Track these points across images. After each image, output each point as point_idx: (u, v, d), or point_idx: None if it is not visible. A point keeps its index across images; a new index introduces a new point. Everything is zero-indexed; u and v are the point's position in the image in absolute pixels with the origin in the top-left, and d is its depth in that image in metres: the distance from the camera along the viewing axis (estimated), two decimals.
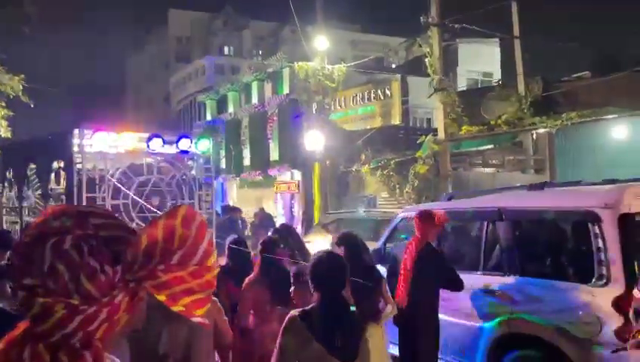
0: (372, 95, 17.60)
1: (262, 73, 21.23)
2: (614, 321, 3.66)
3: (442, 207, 5.34)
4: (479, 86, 21.34)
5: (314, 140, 15.77)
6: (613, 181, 4.59)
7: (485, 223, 4.94)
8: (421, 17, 13.51)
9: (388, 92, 17.02)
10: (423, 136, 13.63)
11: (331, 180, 16.05)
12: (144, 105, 45.08)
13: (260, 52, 39.49)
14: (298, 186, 18.56)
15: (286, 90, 19.43)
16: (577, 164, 12.98)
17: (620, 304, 3.62)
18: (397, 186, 13.88)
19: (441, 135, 12.95)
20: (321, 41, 15.65)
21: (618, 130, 12.35)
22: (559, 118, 12.87)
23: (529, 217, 4.83)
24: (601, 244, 3.91)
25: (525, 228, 4.90)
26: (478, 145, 14.24)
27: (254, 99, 21.79)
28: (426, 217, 4.50)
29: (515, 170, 14.38)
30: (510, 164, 14.34)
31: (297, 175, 18.87)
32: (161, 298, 1.08)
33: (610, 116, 12.13)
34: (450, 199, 5.92)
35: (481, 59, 22.60)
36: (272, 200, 20.66)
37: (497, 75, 22.82)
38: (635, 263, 3.79)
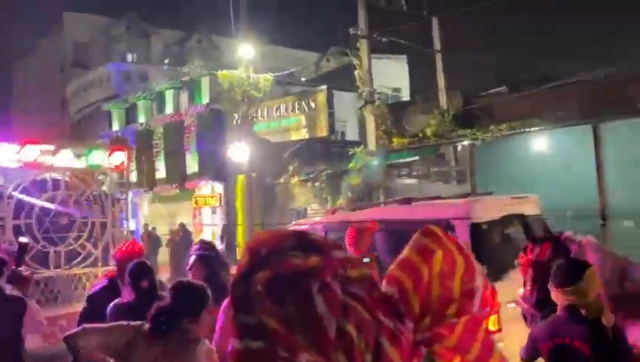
0: (297, 106, 17.39)
1: (177, 81, 20.22)
2: None
3: (328, 220, 6.10)
4: (389, 101, 21.97)
5: (238, 152, 15.21)
6: (467, 195, 5.70)
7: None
8: (350, 30, 13.59)
9: (313, 104, 16.92)
10: (355, 148, 13.62)
11: (257, 193, 15.54)
12: (35, 114, 41.32)
13: (168, 60, 37.88)
14: (220, 200, 17.80)
15: (205, 99, 18.63)
16: (497, 175, 13.62)
17: None
18: (328, 198, 13.73)
19: (372, 147, 13.01)
20: (246, 50, 15.20)
21: (535, 143, 13.13)
22: (478, 131, 13.49)
23: (400, 228, 5.12)
24: None
25: (397, 237, 5.06)
26: (405, 156, 14.51)
27: (169, 109, 20.68)
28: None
29: (438, 181, 14.82)
30: (434, 175, 14.76)
31: (219, 188, 18.11)
32: None
33: (527, 129, 12.88)
34: (333, 213, 6.76)
35: (389, 75, 23.24)
36: (189, 215, 19.63)
37: (406, 91, 23.61)
38: (485, 264, 4.24)
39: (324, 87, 16.71)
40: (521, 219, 5.60)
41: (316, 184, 14.07)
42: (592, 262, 2.73)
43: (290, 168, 15.05)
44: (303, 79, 20.35)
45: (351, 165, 13.25)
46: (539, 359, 2.67)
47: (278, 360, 0.72)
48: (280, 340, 0.72)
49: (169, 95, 20.68)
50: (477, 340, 0.88)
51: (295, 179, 14.71)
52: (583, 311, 2.38)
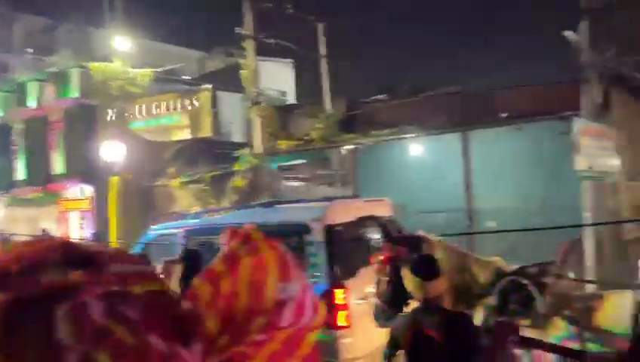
0: (178, 105, 16.59)
1: (42, 72, 18.30)
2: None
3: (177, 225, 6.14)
4: (276, 104, 21.96)
5: (112, 151, 14.12)
6: (329, 199, 6.00)
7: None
8: (236, 29, 13.28)
9: (196, 103, 16.25)
10: (241, 150, 13.30)
11: (134, 196, 14.53)
12: None
13: (32, 50, 34.30)
14: (91, 203, 16.37)
15: (75, 93, 17.05)
16: (377, 179, 14.13)
17: (326, 299, 4.16)
18: (212, 201, 13.23)
19: (258, 149, 12.79)
20: (122, 42, 14.18)
21: (411, 149, 13.83)
22: (360, 136, 13.92)
23: (261, 230, 5.16)
24: (313, 250, 4.79)
25: None
26: (291, 159, 14.51)
27: (32, 102, 18.62)
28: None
29: (324, 184, 15.02)
30: (320, 178, 14.93)
31: (89, 190, 16.65)
32: None
33: (404, 136, 13.53)
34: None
35: (275, 78, 23.25)
36: (53, 220, 17.80)
37: (292, 94, 23.80)
38: (338, 264, 4.71)
39: (208, 86, 16.14)
40: (376, 221, 5.99)
41: (199, 186, 13.50)
42: (441, 258, 3.07)
43: (171, 169, 14.28)
44: (186, 77, 19.51)
45: (236, 167, 12.91)
46: None
47: None
48: None
49: (32, 87, 18.63)
50: (295, 357, 0.74)
51: (176, 181, 13.99)
52: (437, 302, 2.59)
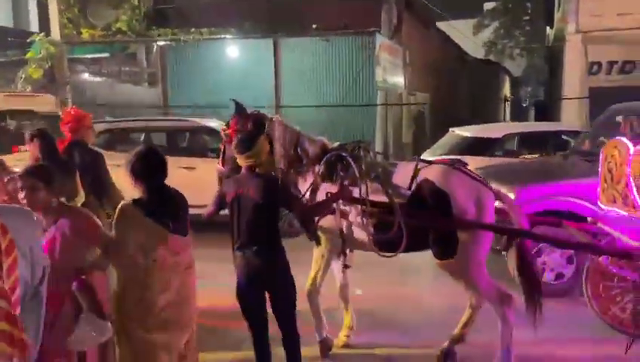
0: None
1: None
2: None
3: None
4: None
5: None
6: None
7: None
8: None
9: None
10: (35, 35, 11.65)
11: None
12: None
13: None
14: None
15: None
16: (189, 80, 13.85)
17: None
18: None
19: (56, 36, 11.40)
20: None
21: (225, 51, 13.77)
22: (171, 33, 13.34)
23: None
24: None
25: None
26: (94, 52, 13.22)
27: None
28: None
29: (130, 82, 14.19)
30: (126, 75, 14.04)
31: None
32: None
33: (218, 37, 13.37)
34: None
35: None
36: None
37: None
38: None
39: None
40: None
41: None
42: (279, 135, 3.75)
43: None
44: None
45: (30, 54, 11.36)
46: None
47: None
48: None
49: None
50: None
51: None
52: (258, 169, 3.31)
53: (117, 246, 2.74)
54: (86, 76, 13.09)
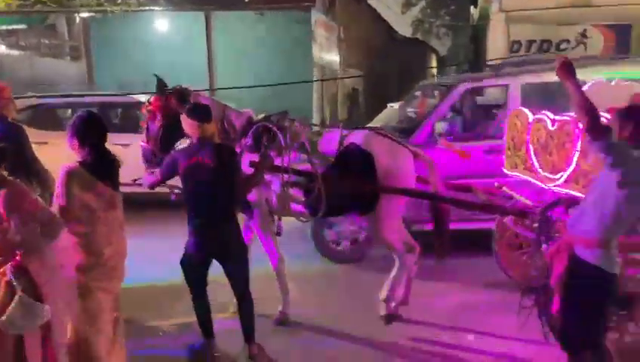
0: None
1: None
2: None
3: None
4: None
5: None
6: None
7: None
8: None
9: None
10: None
11: None
12: None
13: None
14: None
15: None
16: (114, 54, 13.21)
17: None
18: None
19: None
20: None
21: (154, 25, 13.24)
22: (93, 4, 12.59)
23: None
24: None
25: None
26: (10, 22, 12.25)
27: None
28: None
29: (50, 55, 13.33)
30: (46, 48, 13.17)
31: None
32: None
33: (150, 8, 12.77)
34: None
35: None
36: None
37: None
38: None
39: None
40: None
41: None
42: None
43: None
44: None
45: None
46: None
47: None
48: None
49: None
50: None
51: None
52: (210, 139, 3.39)
53: (65, 210, 2.77)
54: (2, 49, 12.13)
